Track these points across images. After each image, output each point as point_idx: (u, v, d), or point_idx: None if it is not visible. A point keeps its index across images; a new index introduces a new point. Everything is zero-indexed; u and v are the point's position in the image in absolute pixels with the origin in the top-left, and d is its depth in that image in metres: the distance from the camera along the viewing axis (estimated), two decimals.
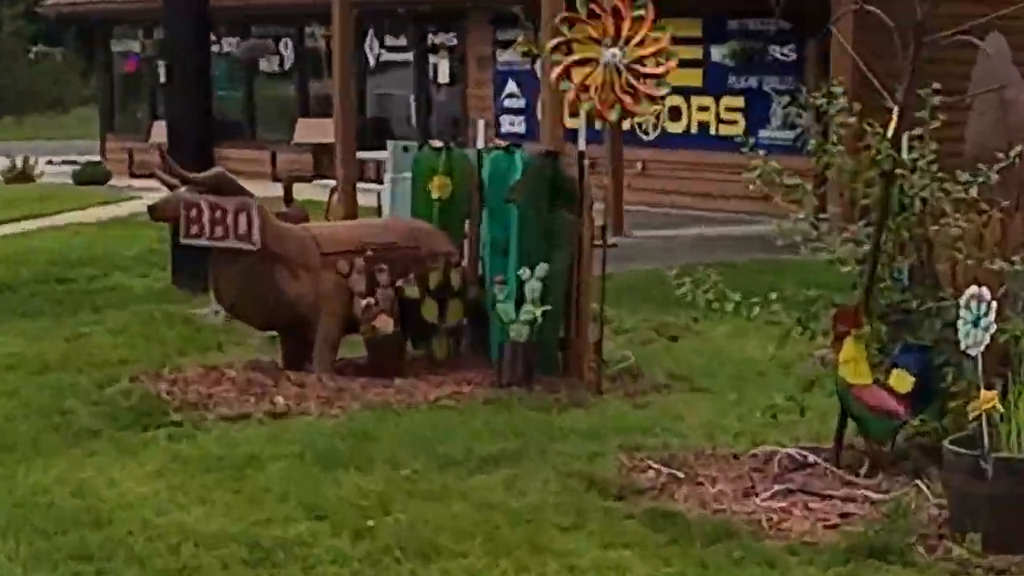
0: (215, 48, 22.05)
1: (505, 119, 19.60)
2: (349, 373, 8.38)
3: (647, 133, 16.36)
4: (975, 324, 5.58)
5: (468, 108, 20.48)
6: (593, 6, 7.31)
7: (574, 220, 8.01)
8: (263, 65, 22.59)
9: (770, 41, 16.88)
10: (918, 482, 5.80)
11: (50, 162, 24.60)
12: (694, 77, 16.85)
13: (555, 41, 7.35)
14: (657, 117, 16.45)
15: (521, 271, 7.73)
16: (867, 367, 6.16)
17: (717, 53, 17.07)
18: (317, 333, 8.00)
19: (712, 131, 16.88)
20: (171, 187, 8.33)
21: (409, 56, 20.79)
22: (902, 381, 6.05)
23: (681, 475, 6.23)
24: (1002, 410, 5.20)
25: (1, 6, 45.66)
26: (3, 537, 5.20)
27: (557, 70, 7.47)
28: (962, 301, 5.39)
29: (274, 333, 9.02)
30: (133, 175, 22.44)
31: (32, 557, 5.07)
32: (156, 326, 11.03)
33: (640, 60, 7.43)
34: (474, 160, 8.77)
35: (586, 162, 8.06)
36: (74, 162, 23.82)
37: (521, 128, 18.70)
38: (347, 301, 7.87)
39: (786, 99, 15.26)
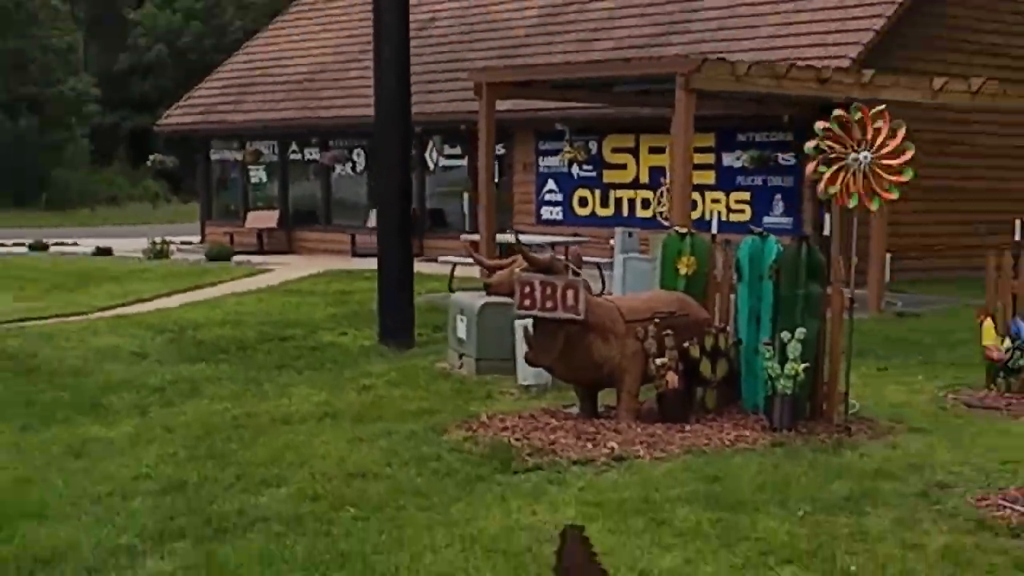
0: (298, 156, 27.19)
1: (545, 209, 22.98)
2: (631, 416, 8.91)
3: (666, 219, 18.31)
4: None
5: (513, 202, 23.71)
6: (841, 117, 8.01)
7: (823, 293, 8.79)
8: (339, 169, 26.28)
9: (775, 149, 19.29)
10: None
11: (106, 249, 25.90)
12: (708, 176, 19.65)
13: (813, 143, 7.92)
14: None
15: (784, 334, 8.37)
16: None
17: (728, 158, 19.78)
18: (624, 387, 8.67)
19: (723, 217, 19.61)
20: (489, 268, 9.65)
21: (463, 162, 24.00)
22: None
23: None
24: None
25: (75, 127, 54.14)
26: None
27: (812, 164, 8.10)
28: None
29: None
30: (215, 258, 24.92)
31: None
32: (424, 379, 11.56)
33: (883, 158, 8.23)
34: (709, 243, 10.35)
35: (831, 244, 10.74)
36: (163, 248, 25.64)
37: (559, 215, 22.43)
38: (644, 361, 8.57)
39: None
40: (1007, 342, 10.33)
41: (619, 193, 21.59)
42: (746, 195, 19.72)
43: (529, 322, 9.03)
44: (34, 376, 12.29)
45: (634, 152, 21.28)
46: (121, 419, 10.15)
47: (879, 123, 8.57)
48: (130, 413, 10.41)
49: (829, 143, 8.61)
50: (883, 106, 9.05)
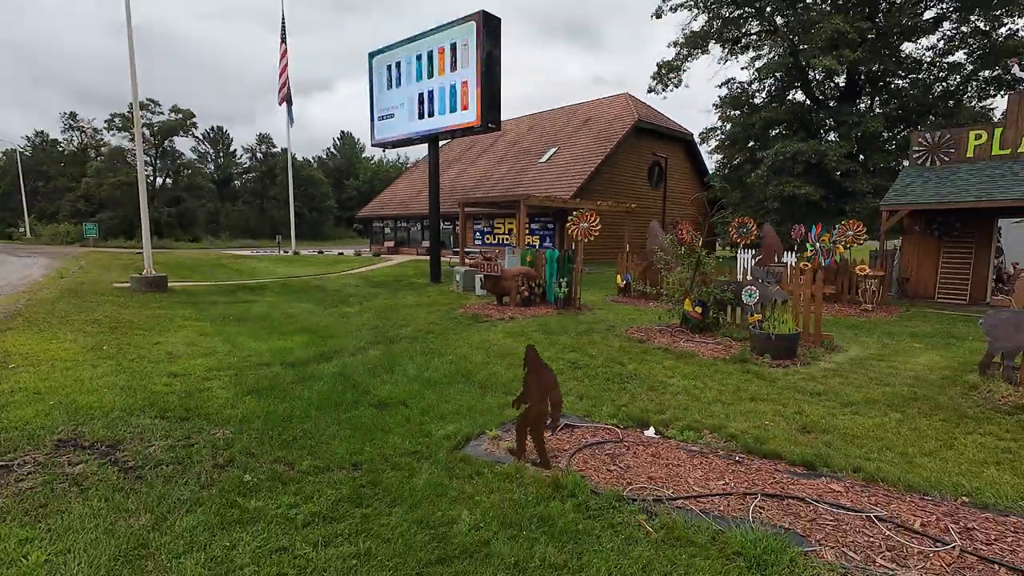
0: (402, 224, 43.58)
1: (476, 240, 35.16)
2: (516, 306, 13.87)
3: (516, 244, 26.73)
4: (749, 296, 10.68)
5: (462, 236, 33.80)
6: (579, 213, 14.65)
7: (572, 267, 14.30)
8: (413, 229, 42.66)
9: (547, 221, 31.02)
10: (728, 337, 10.50)
11: (340, 253, 42.26)
12: (527, 231, 30.63)
13: (569, 219, 14.74)
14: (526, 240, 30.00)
15: (561, 279, 14.16)
16: (690, 305, 10.82)
17: (533, 225, 32.07)
18: (511, 296, 14.07)
19: (535, 244, 31.32)
20: (473, 264, 14.76)
21: (451, 227, 37.40)
22: (697, 309, 10.80)
23: (643, 336, 10.58)
24: (761, 318, 9.80)
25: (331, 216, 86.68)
26: (488, 358, 9.01)
27: (568, 225, 14.83)
28: (745, 288, 10.59)
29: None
30: (375, 255, 38.30)
31: (498, 356, 9.07)
32: (446, 294, 17.26)
33: (590, 224, 14.54)
34: (536, 251, 15.59)
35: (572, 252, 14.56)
36: (359, 253, 41.54)
37: (480, 243, 34.75)
38: (517, 288, 14.02)
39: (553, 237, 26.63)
40: (623, 282, 16.85)
41: (498, 237, 33.80)
42: (537, 236, 31.29)
43: (483, 275, 14.31)
44: (322, 292, 18.18)
45: (503, 223, 33.54)
46: (353, 305, 15.11)
47: (590, 215, 14.68)
48: (356, 304, 15.44)
49: (573, 219, 14.71)
50: (591, 209, 17.22)
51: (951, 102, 26.07)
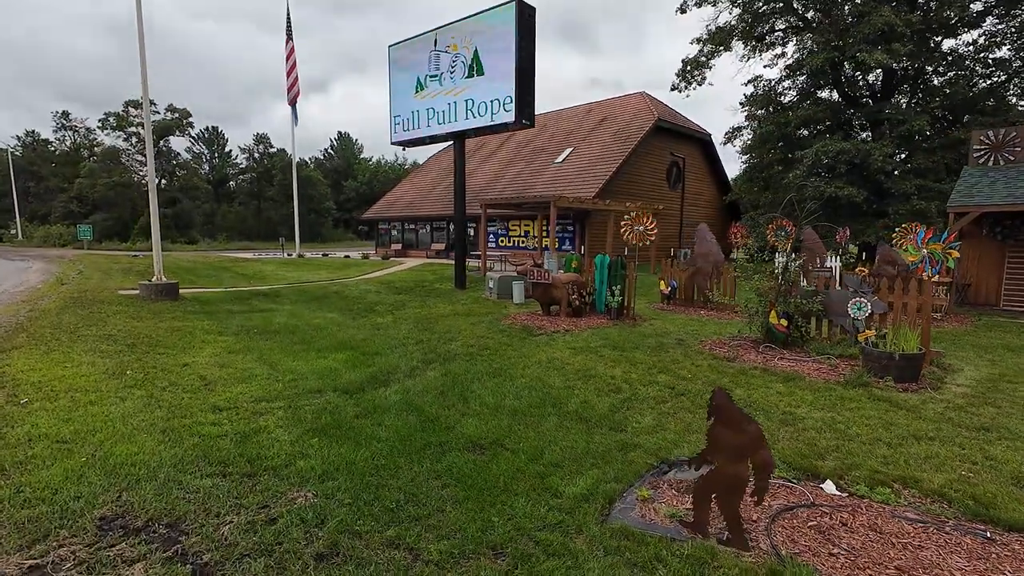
0: (410, 226, 41.89)
1: (491, 243, 33.52)
2: (566, 316, 12.97)
3: (547, 247, 27.59)
4: (858, 308, 9.50)
5: (481, 239, 32.44)
6: (633, 215, 14.45)
7: (626, 274, 13.43)
8: (421, 231, 41.52)
9: (568, 223, 29.88)
10: (826, 354, 9.37)
11: (347, 256, 39.48)
12: (547, 233, 29.05)
13: (623, 221, 14.42)
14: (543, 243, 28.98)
15: (614, 287, 13.16)
16: (776, 318, 10.06)
17: (556, 228, 29.84)
18: (562, 306, 13.07)
19: (561, 247, 30.15)
20: (522, 270, 13.74)
21: (470, 230, 35.32)
22: (783, 321, 10.01)
23: (728, 352, 9.53)
24: (873, 336, 8.69)
25: (328, 217, 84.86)
26: (568, 382, 8.24)
27: (623, 226, 14.46)
28: (852, 301, 9.44)
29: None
30: (384, 258, 36.94)
31: (578, 378, 8.27)
32: (480, 301, 16.39)
33: (646, 227, 14.28)
34: (580, 256, 15.19)
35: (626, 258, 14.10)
36: (366, 256, 39.51)
37: (494, 246, 33.34)
38: (568, 296, 13.08)
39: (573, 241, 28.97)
40: (668, 288, 15.87)
41: (513, 240, 32.98)
42: (557, 239, 29.36)
43: (531, 282, 13.34)
44: (343, 299, 16.70)
45: (519, 225, 32.68)
46: (384, 315, 14.07)
47: (647, 218, 14.22)
48: (387, 313, 14.39)
49: (629, 220, 14.35)
50: (648, 210, 15.85)
51: (991, 100, 24.92)
